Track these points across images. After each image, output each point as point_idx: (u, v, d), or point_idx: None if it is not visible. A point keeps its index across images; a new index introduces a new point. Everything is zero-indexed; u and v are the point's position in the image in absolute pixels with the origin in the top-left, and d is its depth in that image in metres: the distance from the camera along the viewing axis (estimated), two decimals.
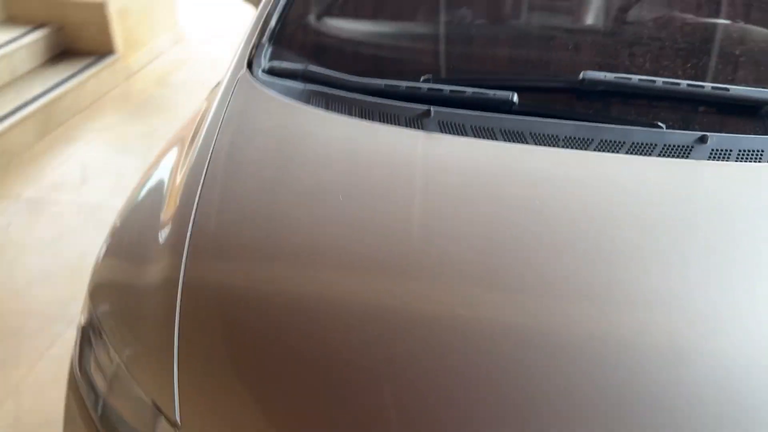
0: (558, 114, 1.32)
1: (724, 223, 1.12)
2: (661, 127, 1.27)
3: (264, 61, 1.56)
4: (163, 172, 1.40)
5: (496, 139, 1.27)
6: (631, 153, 1.22)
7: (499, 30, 1.69)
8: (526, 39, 1.64)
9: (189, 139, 1.44)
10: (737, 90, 1.33)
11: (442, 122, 1.31)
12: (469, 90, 1.36)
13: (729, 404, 0.87)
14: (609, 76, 1.35)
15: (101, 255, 1.26)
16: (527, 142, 1.26)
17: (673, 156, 1.22)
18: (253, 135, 1.38)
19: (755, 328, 0.95)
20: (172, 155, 1.46)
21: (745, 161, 1.21)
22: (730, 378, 0.90)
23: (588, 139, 1.26)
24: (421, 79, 1.43)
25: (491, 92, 1.35)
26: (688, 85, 1.33)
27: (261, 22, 1.66)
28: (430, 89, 1.37)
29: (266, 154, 1.33)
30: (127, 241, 1.28)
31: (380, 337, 0.97)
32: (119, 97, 3.57)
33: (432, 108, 1.33)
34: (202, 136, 1.39)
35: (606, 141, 1.25)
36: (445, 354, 0.93)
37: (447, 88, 1.37)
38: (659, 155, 1.22)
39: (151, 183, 1.40)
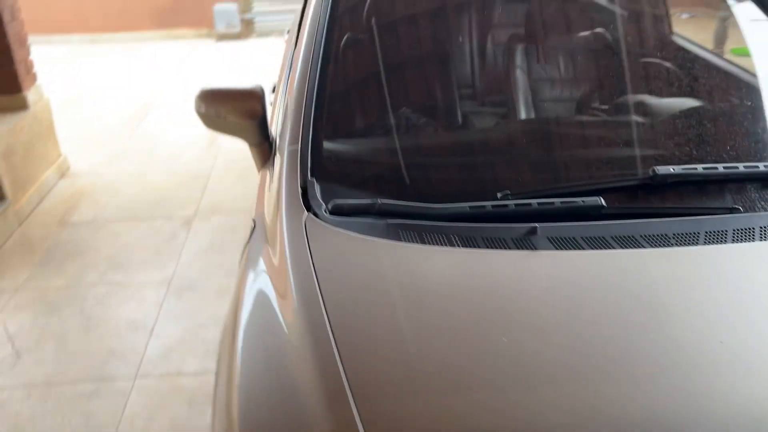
0: (643, 213, 1.37)
1: None
2: (738, 210, 1.37)
3: (322, 201, 1.45)
4: (266, 337, 1.23)
5: (611, 247, 1.28)
6: (709, 242, 1.28)
7: (568, 135, 1.73)
8: (596, 140, 1.70)
9: (277, 298, 1.29)
10: None
11: (552, 238, 1.30)
12: (557, 201, 1.37)
13: None
14: (677, 168, 1.43)
15: None
16: (636, 246, 1.28)
17: (752, 239, 1.30)
18: (361, 280, 1.27)
19: None
20: (264, 318, 1.29)
21: None
22: None
23: (676, 234, 1.30)
24: (499, 195, 1.42)
25: (580, 200, 1.37)
26: (745, 167, 1.45)
27: (299, 158, 1.56)
28: (538, 205, 1.35)
29: (388, 298, 1.22)
30: (268, 418, 1.09)
31: None
32: (20, 247, 3.15)
33: (538, 225, 1.32)
34: (299, 292, 1.24)
35: (686, 233, 1.31)
36: None
37: (537, 201, 1.37)
38: (734, 241, 1.29)
39: (258, 352, 1.22)
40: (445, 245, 1.31)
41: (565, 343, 1.10)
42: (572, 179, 1.53)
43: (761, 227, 1.32)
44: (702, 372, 1.04)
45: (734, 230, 1.31)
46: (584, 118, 1.77)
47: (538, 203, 1.37)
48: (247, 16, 7.34)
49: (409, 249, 1.31)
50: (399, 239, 1.33)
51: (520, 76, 1.87)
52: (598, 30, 2.05)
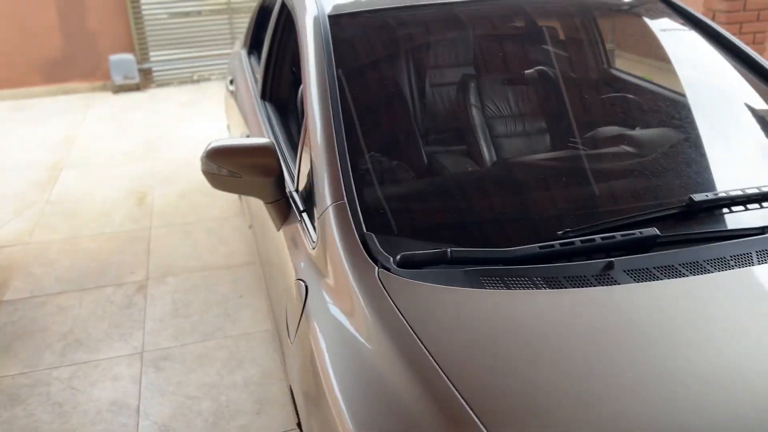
0: (693, 239, 1.47)
1: None
2: None
3: (388, 254, 1.43)
4: (378, 399, 1.18)
5: (683, 274, 1.36)
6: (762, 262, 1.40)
7: (603, 169, 1.81)
8: (631, 171, 1.78)
9: (374, 357, 1.24)
10: None
11: (628, 270, 1.36)
12: (618, 234, 1.44)
13: None
14: (711, 194, 1.55)
15: None
16: (705, 271, 1.36)
17: None
18: (462, 329, 1.25)
19: None
20: (365, 379, 1.23)
21: None
22: None
23: (733, 256, 1.41)
24: (560, 233, 1.47)
25: (637, 231, 1.44)
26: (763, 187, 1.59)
27: (348, 213, 1.52)
28: (601, 239, 1.41)
29: (494, 343, 1.22)
30: None
31: None
32: None
33: (614, 259, 1.37)
34: (400, 348, 1.22)
35: (740, 254, 1.42)
36: None
37: (600, 236, 1.43)
38: None
39: (374, 415, 1.17)
40: (531, 288, 1.33)
41: (671, 366, 1.16)
42: (618, 212, 1.60)
43: None
44: None
45: (760, 251, 1.42)
46: (613, 150, 1.87)
47: (602, 237, 1.43)
48: (145, 65, 7.07)
49: (498, 295, 1.32)
50: (483, 286, 1.34)
51: (551, 119, 1.96)
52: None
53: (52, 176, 4.62)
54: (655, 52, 2.31)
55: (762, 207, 1.55)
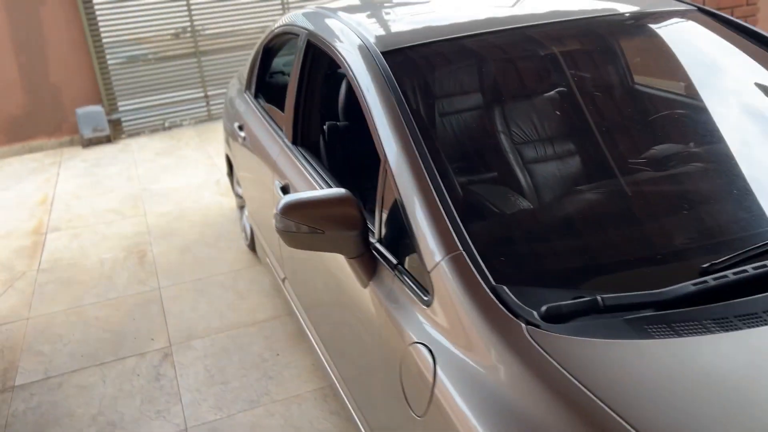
0: None
1: None
2: None
3: (530, 308, 1.29)
4: None
5: None
6: None
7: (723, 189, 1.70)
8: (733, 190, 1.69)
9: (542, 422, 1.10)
10: None
11: None
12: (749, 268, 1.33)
13: None
14: None
15: None
16: None
17: None
18: (645, 391, 1.12)
19: None
20: None
21: None
22: None
23: None
24: (705, 266, 1.36)
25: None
26: None
27: (470, 265, 1.38)
28: (753, 269, 1.30)
29: (685, 402, 1.09)
30: None
31: None
32: None
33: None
34: (582, 416, 1.08)
35: None
36: None
37: (751, 266, 1.32)
38: None
39: None
40: (703, 333, 1.21)
41: None
42: (749, 238, 1.50)
43: None
44: None
45: None
46: (714, 168, 1.78)
47: (753, 268, 1.33)
48: (114, 116, 6.80)
49: (671, 345, 1.20)
50: (651, 336, 1.22)
51: (648, 139, 1.86)
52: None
53: (38, 241, 4.32)
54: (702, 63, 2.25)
55: None
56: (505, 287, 1.35)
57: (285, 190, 2.43)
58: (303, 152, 2.45)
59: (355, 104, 2.73)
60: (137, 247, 4.11)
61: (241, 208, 3.98)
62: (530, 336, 1.25)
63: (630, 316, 1.26)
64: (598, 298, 1.28)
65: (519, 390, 1.20)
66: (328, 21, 2.41)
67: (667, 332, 1.22)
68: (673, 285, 1.30)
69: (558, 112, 1.95)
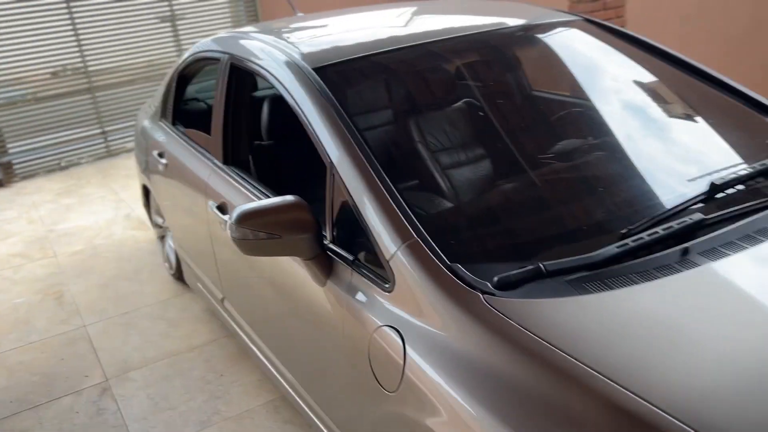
0: (728, 217, 1.64)
1: None
2: None
3: (483, 279, 1.46)
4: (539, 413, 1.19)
5: (745, 247, 1.51)
6: None
7: (639, 170, 1.94)
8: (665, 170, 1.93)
9: (521, 380, 1.25)
10: None
11: (700, 253, 1.50)
12: (674, 224, 1.58)
13: None
14: (729, 174, 1.75)
15: None
16: (760, 241, 1.54)
17: None
18: (593, 335, 1.31)
19: None
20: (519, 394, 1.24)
21: None
22: None
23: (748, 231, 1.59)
24: (623, 231, 1.58)
25: (688, 218, 1.59)
26: None
27: (426, 250, 1.53)
28: (662, 230, 1.53)
29: (630, 341, 1.29)
30: None
31: None
32: None
33: (688, 245, 1.51)
34: (547, 364, 1.26)
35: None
36: None
37: (661, 228, 1.56)
38: None
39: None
40: (632, 284, 1.42)
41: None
42: (655, 207, 1.74)
43: None
44: None
45: None
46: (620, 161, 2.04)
47: (662, 229, 1.56)
48: (4, 159, 6.46)
49: (607, 297, 1.40)
50: (589, 292, 1.41)
51: (574, 132, 2.09)
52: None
53: None
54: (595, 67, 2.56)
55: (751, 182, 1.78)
56: (459, 265, 1.51)
57: (221, 209, 2.49)
58: (236, 171, 2.53)
59: (279, 123, 2.86)
60: (52, 288, 3.96)
61: (162, 237, 3.95)
62: (488, 303, 1.41)
63: (569, 278, 1.45)
64: (541, 265, 1.47)
65: (484, 350, 1.35)
66: (249, 43, 2.51)
67: (601, 287, 1.42)
68: (600, 249, 1.51)
69: (470, 115, 2.16)
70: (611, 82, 2.46)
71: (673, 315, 1.35)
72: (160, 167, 3.29)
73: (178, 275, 3.71)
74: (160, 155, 3.29)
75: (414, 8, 2.75)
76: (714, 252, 1.51)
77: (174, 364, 3.01)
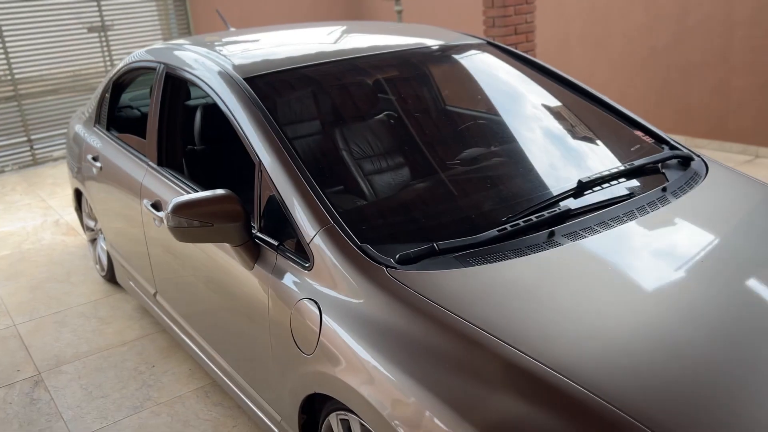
0: (591, 208, 1.99)
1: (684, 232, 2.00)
2: (632, 194, 2.09)
3: (377, 246, 1.75)
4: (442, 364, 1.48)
5: (598, 231, 1.86)
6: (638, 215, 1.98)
7: (523, 172, 2.26)
8: (541, 170, 2.27)
9: (416, 335, 1.54)
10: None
11: (564, 235, 1.83)
12: (545, 213, 1.91)
13: None
14: (592, 176, 2.10)
15: None
16: (610, 227, 1.89)
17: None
18: (474, 297, 1.61)
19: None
20: (424, 347, 1.52)
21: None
22: None
23: (624, 213, 1.96)
24: (503, 219, 1.90)
25: (557, 208, 1.93)
26: (612, 170, 2.20)
27: (340, 233, 1.80)
28: (536, 218, 1.86)
29: (506, 301, 1.59)
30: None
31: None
32: None
33: (554, 229, 1.84)
34: (439, 321, 1.54)
35: (627, 212, 1.98)
36: None
37: (534, 216, 1.89)
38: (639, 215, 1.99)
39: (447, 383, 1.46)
40: (507, 259, 1.74)
41: (620, 282, 1.65)
42: (533, 200, 2.07)
43: (644, 205, 2.03)
44: (677, 272, 1.69)
45: (636, 209, 2.00)
46: (510, 164, 2.37)
47: (536, 217, 1.89)
48: None
49: (487, 269, 1.70)
50: (473, 265, 1.72)
51: (473, 141, 2.41)
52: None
53: None
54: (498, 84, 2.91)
55: (628, 180, 2.15)
56: (368, 245, 1.78)
57: (156, 206, 2.68)
58: (170, 171, 2.73)
59: (211, 128, 3.07)
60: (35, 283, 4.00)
61: (93, 241, 4.05)
62: (390, 275, 1.69)
63: (457, 254, 1.75)
64: (434, 245, 1.76)
65: (387, 312, 1.63)
66: (184, 54, 2.73)
67: (481, 261, 1.73)
68: (484, 232, 1.82)
69: (383, 123, 2.46)
70: (506, 97, 2.82)
71: (539, 281, 1.67)
72: (95, 170, 3.43)
73: (110, 276, 3.84)
74: (95, 159, 3.43)
75: (340, 27, 3.05)
76: (575, 234, 1.84)
77: (107, 357, 3.15)
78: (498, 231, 1.83)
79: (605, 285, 1.67)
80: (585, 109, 2.69)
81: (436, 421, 1.41)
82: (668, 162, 2.35)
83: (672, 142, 2.52)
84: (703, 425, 1.31)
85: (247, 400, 2.34)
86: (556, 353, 1.45)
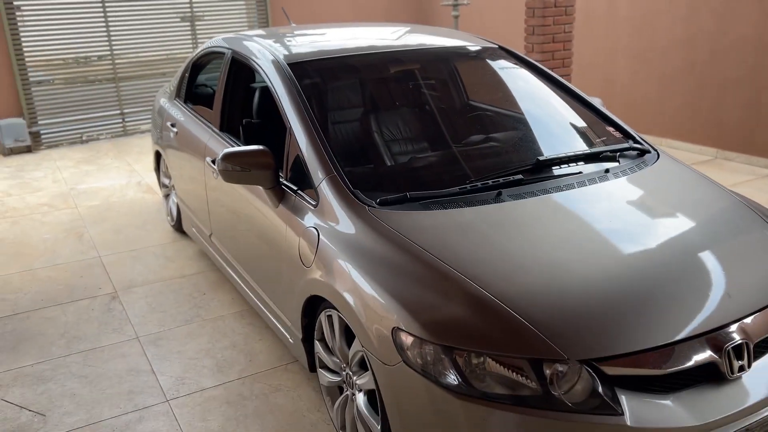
0: (541, 179, 2.53)
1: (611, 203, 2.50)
2: (580, 171, 2.61)
3: (366, 193, 2.36)
4: (406, 276, 2.07)
5: (537, 195, 2.40)
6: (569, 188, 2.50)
7: (487, 148, 2.85)
8: (503, 149, 2.84)
9: (385, 254, 2.13)
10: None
11: (509, 195, 2.39)
12: (500, 179, 2.47)
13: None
14: (548, 156, 2.64)
15: None
16: (548, 192, 2.43)
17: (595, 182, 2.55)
18: (428, 230, 2.19)
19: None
20: (392, 262, 2.11)
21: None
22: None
23: (550, 186, 2.49)
24: (468, 181, 2.47)
25: (511, 177, 2.48)
26: (570, 153, 2.72)
27: (340, 180, 2.42)
28: (491, 182, 2.43)
29: (449, 234, 2.17)
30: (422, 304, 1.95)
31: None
32: None
33: (502, 191, 2.40)
34: (400, 245, 2.13)
35: (562, 185, 2.50)
36: None
37: (490, 180, 2.45)
38: (577, 186, 2.51)
39: (408, 285, 2.05)
40: (458, 207, 2.31)
41: (550, 238, 2.18)
42: (495, 168, 2.63)
43: (585, 179, 2.55)
44: (609, 241, 2.21)
45: (576, 182, 2.52)
46: (489, 144, 2.94)
47: (491, 181, 2.45)
48: (35, 129, 7.38)
49: (442, 213, 2.28)
50: (432, 209, 2.30)
51: (449, 126, 3.00)
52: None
53: None
54: (500, 83, 3.47)
55: (572, 163, 2.68)
56: (358, 191, 2.39)
57: (215, 162, 3.37)
58: (228, 135, 3.42)
59: (265, 106, 3.77)
60: (74, 230, 4.85)
61: (167, 196, 4.83)
62: (371, 213, 2.29)
63: (423, 202, 2.34)
64: (407, 194, 2.35)
65: (365, 238, 2.22)
66: (248, 44, 3.42)
67: (441, 208, 2.31)
68: (448, 188, 2.40)
69: (391, 103, 3.07)
70: (501, 91, 3.38)
71: (480, 225, 2.23)
72: (172, 135, 4.18)
73: (177, 226, 4.60)
74: (173, 125, 4.19)
75: (377, 28, 3.67)
76: (517, 196, 2.39)
77: (168, 285, 3.88)
78: (459, 189, 2.41)
79: (529, 230, 2.22)
80: (567, 107, 3.20)
81: (391, 315, 2.00)
82: (628, 153, 2.85)
83: (637, 138, 3.00)
84: (584, 329, 1.85)
85: (269, 314, 3.00)
86: (480, 272, 2.01)
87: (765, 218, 2.47)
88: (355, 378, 2.27)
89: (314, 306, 2.51)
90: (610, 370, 1.82)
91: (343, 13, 9.10)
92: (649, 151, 2.89)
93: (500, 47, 3.54)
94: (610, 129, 3.11)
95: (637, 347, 1.84)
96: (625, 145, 2.89)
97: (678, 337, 1.88)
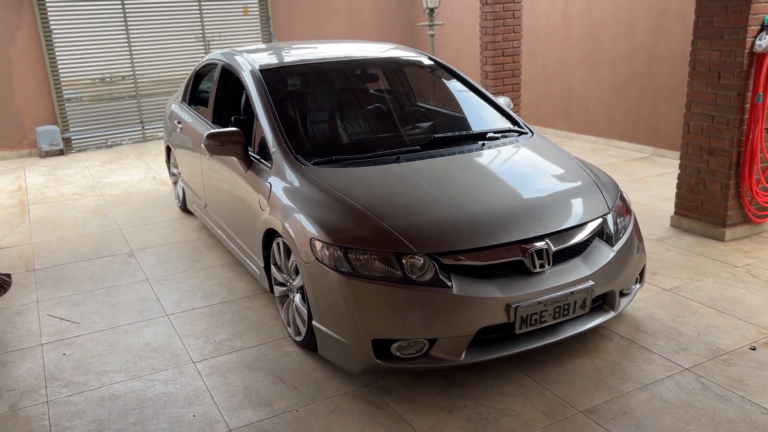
0: (434, 150, 3.51)
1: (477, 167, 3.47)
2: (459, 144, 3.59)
3: (305, 157, 3.36)
4: (324, 203, 3.07)
5: (425, 158, 3.38)
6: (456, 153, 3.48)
7: (395, 129, 3.85)
8: (410, 130, 3.84)
9: (313, 194, 3.13)
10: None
11: (405, 159, 3.37)
12: (403, 149, 3.45)
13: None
14: (441, 135, 3.62)
15: None
16: (436, 157, 3.40)
17: (465, 152, 3.52)
18: (343, 179, 3.18)
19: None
20: (317, 197, 3.11)
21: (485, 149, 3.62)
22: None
23: (437, 153, 3.46)
24: (379, 150, 3.46)
25: (409, 148, 3.47)
26: (456, 133, 3.70)
27: (287, 149, 3.42)
28: (397, 152, 3.42)
29: (360, 181, 3.16)
30: (338, 226, 2.95)
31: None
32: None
33: (400, 155, 3.38)
34: (324, 190, 3.13)
35: (447, 153, 3.48)
36: None
37: (395, 150, 3.43)
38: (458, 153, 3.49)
39: (325, 211, 3.05)
40: (368, 166, 3.31)
41: (423, 183, 3.16)
42: (400, 142, 3.63)
43: (467, 150, 3.53)
44: (465, 184, 3.19)
45: (457, 152, 3.50)
46: (403, 128, 3.94)
47: (397, 151, 3.45)
48: (66, 135, 8.52)
49: (357, 170, 3.28)
50: (350, 167, 3.29)
51: (373, 110, 4.01)
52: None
53: (23, 210, 6.03)
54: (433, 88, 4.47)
55: (463, 142, 3.66)
56: (300, 156, 3.40)
57: None
58: (219, 126, 4.45)
59: (249, 106, 4.79)
60: (100, 210, 5.91)
61: (175, 183, 5.87)
62: (307, 171, 3.29)
63: (343, 163, 3.33)
64: (333, 158, 3.36)
65: (301, 186, 3.22)
66: (236, 57, 4.46)
67: (354, 166, 3.30)
68: (362, 155, 3.39)
69: (332, 96, 4.09)
70: (420, 86, 4.39)
71: (379, 177, 3.22)
72: (178, 131, 5.24)
73: (183, 206, 5.63)
74: (179, 123, 5.24)
75: (340, 44, 4.72)
76: (410, 159, 3.38)
77: (174, 247, 4.90)
78: (369, 156, 3.40)
79: (411, 178, 3.20)
80: (470, 100, 4.19)
81: (310, 231, 2.97)
82: (511, 135, 3.83)
83: (522, 124, 3.98)
84: (432, 234, 2.82)
85: (243, 256, 3.99)
86: (368, 201, 2.99)
87: (591, 175, 3.42)
88: (292, 282, 3.26)
89: (269, 240, 3.50)
90: (447, 261, 2.78)
91: (340, 30, 10.18)
92: (526, 133, 3.86)
93: (430, 58, 4.55)
94: (502, 117, 4.09)
95: (467, 247, 2.81)
96: (507, 128, 3.87)
97: (496, 242, 2.84)
